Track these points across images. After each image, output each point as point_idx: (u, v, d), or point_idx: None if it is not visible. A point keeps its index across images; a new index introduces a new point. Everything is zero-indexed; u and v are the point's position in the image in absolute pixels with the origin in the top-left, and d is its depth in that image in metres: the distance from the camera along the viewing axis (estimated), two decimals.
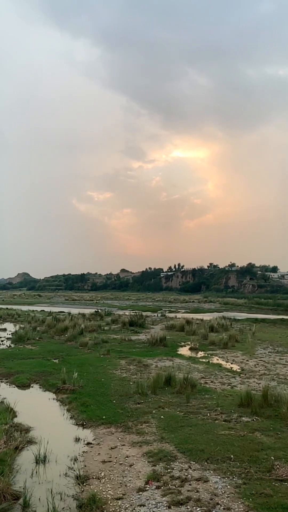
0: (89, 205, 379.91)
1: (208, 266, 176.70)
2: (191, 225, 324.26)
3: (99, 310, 42.31)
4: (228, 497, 5.98)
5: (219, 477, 6.58)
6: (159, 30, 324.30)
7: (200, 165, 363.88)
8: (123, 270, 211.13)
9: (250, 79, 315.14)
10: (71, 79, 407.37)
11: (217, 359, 17.32)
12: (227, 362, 16.79)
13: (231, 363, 16.48)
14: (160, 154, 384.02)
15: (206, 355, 18.41)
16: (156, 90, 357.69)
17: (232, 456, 7.32)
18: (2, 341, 22.42)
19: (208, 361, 16.64)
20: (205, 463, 7.11)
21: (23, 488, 6.17)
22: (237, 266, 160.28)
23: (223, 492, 6.12)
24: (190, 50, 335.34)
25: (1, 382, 13.11)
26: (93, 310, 42.78)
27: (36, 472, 7.04)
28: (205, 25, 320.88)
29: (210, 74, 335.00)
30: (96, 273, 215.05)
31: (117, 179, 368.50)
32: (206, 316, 38.39)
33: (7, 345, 20.83)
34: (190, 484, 6.36)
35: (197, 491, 6.14)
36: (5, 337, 24.04)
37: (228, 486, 6.27)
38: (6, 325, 31.37)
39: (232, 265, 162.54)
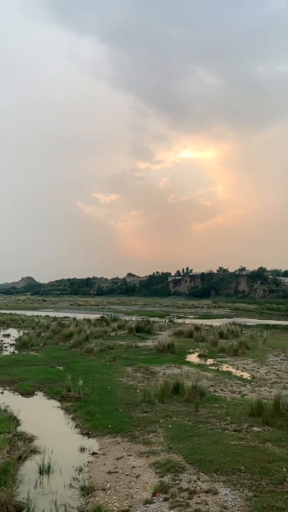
0: (94, 207, 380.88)
1: (217, 270, 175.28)
2: (200, 228, 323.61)
3: (105, 316, 42.16)
4: (238, 510, 5.80)
5: (229, 489, 6.38)
6: (167, 27, 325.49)
7: (209, 166, 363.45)
8: (129, 274, 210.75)
9: (260, 77, 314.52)
10: (76, 78, 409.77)
11: (227, 367, 17.07)
12: (237, 369, 16.53)
13: (242, 371, 16.21)
14: (168, 154, 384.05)
15: (215, 362, 18.15)
16: (163, 89, 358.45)
17: (242, 467, 7.10)
18: (5, 347, 22.31)
19: (218, 369, 16.38)
20: (215, 474, 6.90)
21: (27, 499, 6.00)
22: (248, 270, 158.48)
23: (233, 505, 5.92)
24: (198, 48, 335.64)
25: (5, 389, 12.96)
26: (99, 316, 42.64)
27: (40, 482, 6.87)
28: (214, 22, 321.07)
29: (219, 72, 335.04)
30: (102, 278, 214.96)
31: (124, 180, 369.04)
32: (216, 322, 38.08)
33: (10, 352, 20.70)
34: (199, 496, 6.17)
35: (206, 504, 5.94)
36: (8, 343, 23.96)
37: (239, 499, 6.07)
38: (10, 330, 31.33)
39: (243, 269, 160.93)
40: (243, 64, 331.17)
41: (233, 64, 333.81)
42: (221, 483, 6.57)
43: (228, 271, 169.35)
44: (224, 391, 12.72)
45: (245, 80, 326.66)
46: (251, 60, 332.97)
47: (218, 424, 9.44)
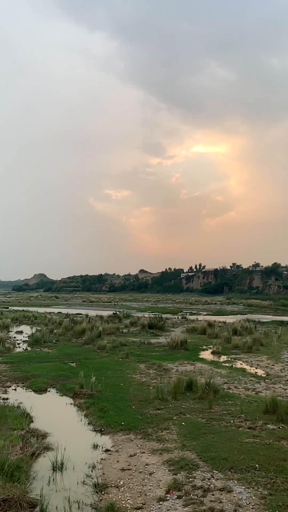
0: (106, 204, 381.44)
1: (231, 266, 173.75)
2: (212, 224, 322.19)
3: (118, 312, 42.20)
4: (253, 508, 5.72)
5: (243, 487, 6.30)
6: (178, 21, 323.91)
7: (222, 161, 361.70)
8: (142, 271, 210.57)
9: (274, 69, 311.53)
10: (87, 74, 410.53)
11: (241, 364, 16.94)
12: (251, 366, 16.39)
13: (256, 368, 16.07)
14: (180, 149, 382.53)
15: (229, 359, 18.04)
16: (175, 84, 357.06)
17: (257, 465, 7.01)
18: (18, 344, 22.45)
19: (232, 366, 16.27)
20: (229, 472, 6.82)
21: (40, 496, 5.97)
22: (262, 266, 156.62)
23: (247, 503, 5.85)
24: (210, 42, 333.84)
25: (18, 386, 13.01)
26: (111, 312, 42.73)
27: (53, 479, 6.86)
28: (226, 15, 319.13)
29: (231, 65, 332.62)
30: (114, 274, 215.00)
31: (135, 176, 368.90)
32: (229, 319, 37.91)
33: (23, 348, 20.82)
34: (213, 494, 6.10)
35: (220, 502, 5.87)
36: (21, 339, 24.11)
37: (253, 497, 5.99)
38: (23, 327, 31.48)
39: (256, 265, 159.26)
40: (256, 57, 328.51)
41: (246, 57, 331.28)
42: (236, 481, 6.49)
43: (242, 267, 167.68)
44: (238, 388, 12.62)
45: (259, 73, 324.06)
46: (264, 53, 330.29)
47: (232, 421, 9.36)
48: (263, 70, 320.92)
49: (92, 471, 7.10)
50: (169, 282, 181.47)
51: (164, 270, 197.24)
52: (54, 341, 23.09)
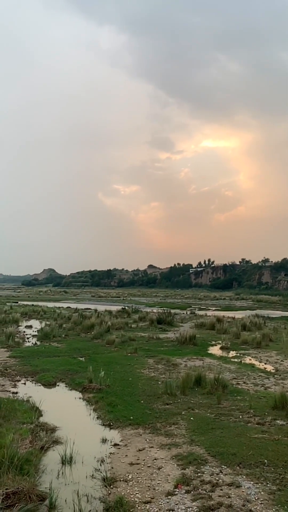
0: (115, 199, 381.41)
1: (240, 262, 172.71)
2: (221, 219, 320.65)
3: (126, 307, 42.24)
4: (261, 503, 5.71)
5: (252, 482, 6.29)
6: (187, 14, 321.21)
7: (231, 155, 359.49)
8: (150, 266, 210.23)
9: (285, 63, 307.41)
10: (95, 68, 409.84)
11: (250, 359, 16.88)
12: (260, 362, 16.32)
13: (265, 363, 16.00)
14: (189, 144, 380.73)
15: (238, 354, 17.98)
16: (184, 78, 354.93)
17: (266, 461, 7.00)
18: (28, 338, 22.60)
19: (240, 361, 16.22)
20: (237, 467, 6.81)
21: (49, 489, 6.03)
22: (271, 261, 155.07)
23: (256, 498, 5.84)
24: (220, 35, 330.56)
25: (27, 380, 13.09)
26: (120, 307, 42.79)
27: (62, 473, 6.90)
28: (236, 8, 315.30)
29: (241, 59, 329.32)
30: (122, 269, 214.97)
31: (144, 171, 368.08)
32: (238, 314, 37.79)
33: (32, 343, 20.96)
34: (221, 489, 6.10)
35: (229, 497, 5.87)
36: (31, 334, 24.24)
37: (262, 493, 5.98)
38: (32, 322, 31.66)
39: (266, 260, 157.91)
40: (266, 51, 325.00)
41: (256, 51, 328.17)
42: (244, 476, 6.48)
43: (251, 263, 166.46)
44: (247, 383, 12.58)
45: (269, 67, 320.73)
46: (274, 46, 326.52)
47: (241, 417, 9.34)
48: (273, 63, 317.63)
49: (101, 465, 7.13)
50: (178, 277, 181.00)
51: (172, 265, 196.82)
52: (63, 335, 23.19)
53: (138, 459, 7.29)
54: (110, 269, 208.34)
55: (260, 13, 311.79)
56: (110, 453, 7.65)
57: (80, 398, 11.34)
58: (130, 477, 6.61)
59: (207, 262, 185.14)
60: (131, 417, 9.40)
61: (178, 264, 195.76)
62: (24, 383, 12.72)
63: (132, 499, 5.89)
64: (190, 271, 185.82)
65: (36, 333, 24.17)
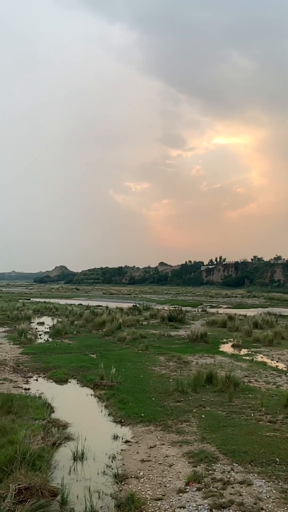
0: (126, 196, 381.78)
1: (251, 259, 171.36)
2: (233, 216, 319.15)
3: (137, 305, 42.30)
4: (273, 502, 5.69)
5: (263, 480, 6.26)
6: (198, 11, 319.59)
7: (243, 152, 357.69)
8: (161, 263, 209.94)
9: None
10: (106, 66, 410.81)
11: (262, 357, 16.80)
12: (272, 360, 16.23)
13: (277, 361, 15.91)
14: (200, 141, 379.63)
15: (249, 352, 17.91)
16: (195, 74, 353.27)
17: (277, 459, 6.96)
18: (40, 335, 22.72)
19: (252, 359, 16.14)
20: (249, 465, 6.79)
21: (61, 485, 6.07)
22: (283, 259, 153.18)
23: (268, 496, 5.81)
24: (231, 31, 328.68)
25: (39, 376, 13.18)
26: (131, 304, 42.84)
27: (74, 469, 6.93)
28: (247, 3, 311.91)
29: (253, 55, 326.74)
30: (134, 266, 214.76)
31: (155, 168, 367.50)
32: (250, 312, 37.63)
33: (45, 339, 21.08)
34: (232, 487, 6.08)
35: (240, 495, 5.85)
36: (43, 331, 24.37)
37: (273, 491, 5.96)
38: (44, 319, 31.89)
39: (278, 257, 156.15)
40: (279, 46, 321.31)
41: (268, 47, 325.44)
42: (256, 475, 6.46)
43: (263, 260, 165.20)
44: (259, 381, 12.53)
45: (281, 62, 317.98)
46: (286, 41, 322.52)
47: (252, 415, 9.30)
48: (285, 59, 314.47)
49: (112, 461, 7.16)
50: (189, 274, 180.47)
51: (184, 262, 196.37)
52: (74, 332, 23.30)
53: (149, 456, 7.31)
54: (121, 267, 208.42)
55: (271, 8, 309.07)
56: (122, 449, 7.68)
57: (91, 394, 11.38)
58: (141, 474, 6.63)
59: (218, 260, 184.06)
60: (142, 414, 9.41)
61: (190, 261, 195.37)
62: (36, 380, 12.80)
63: (144, 496, 5.90)
64: (202, 269, 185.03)
65: (48, 330, 24.31)
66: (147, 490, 6.10)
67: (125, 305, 41.79)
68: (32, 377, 13.07)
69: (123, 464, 7.03)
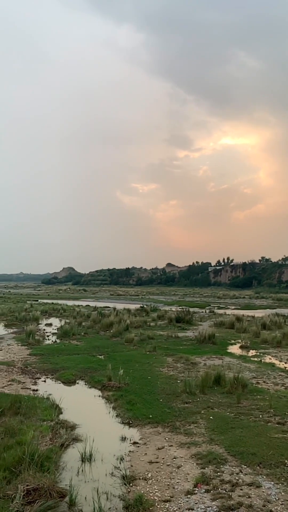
0: (133, 197, 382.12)
1: (259, 260, 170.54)
2: (241, 217, 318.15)
3: (145, 306, 42.24)
4: (282, 504, 5.66)
5: (272, 483, 6.23)
6: (206, 11, 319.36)
7: (251, 153, 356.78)
8: (169, 264, 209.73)
9: None
10: (114, 67, 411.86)
11: (270, 358, 16.71)
12: (280, 361, 16.14)
13: (285, 363, 15.81)
14: (208, 142, 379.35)
15: (258, 353, 17.82)
16: (202, 75, 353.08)
17: (286, 461, 6.93)
18: (48, 336, 22.82)
19: (260, 360, 16.07)
20: (257, 467, 6.76)
21: (69, 486, 6.07)
22: None
23: (277, 499, 5.78)
24: (239, 31, 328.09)
25: (47, 378, 13.22)
26: (138, 306, 42.82)
27: (82, 470, 6.94)
28: (254, 3, 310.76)
29: (261, 55, 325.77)
30: (141, 268, 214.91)
31: (162, 169, 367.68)
32: (258, 313, 37.46)
33: (52, 340, 21.17)
34: (241, 489, 6.06)
35: (249, 497, 5.83)
36: (50, 332, 24.48)
37: (283, 493, 5.93)
38: (52, 320, 32.01)
39: (286, 258, 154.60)
40: (286, 46, 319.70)
41: (276, 46, 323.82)
42: (264, 476, 6.43)
43: (271, 261, 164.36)
44: (267, 383, 12.46)
45: None
46: None
47: (260, 416, 9.25)
48: None
49: (120, 463, 7.16)
50: (197, 275, 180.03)
51: (191, 263, 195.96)
52: (82, 333, 23.32)
53: (157, 458, 7.29)
54: (128, 268, 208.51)
55: (278, 7, 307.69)
56: (130, 451, 7.67)
57: (99, 396, 11.39)
58: (149, 475, 6.62)
59: (226, 261, 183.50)
60: (150, 416, 9.40)
61: (197, 262, 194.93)
62: (44, 381, 12.84)
63: (152, 498, 5.89)
64: (209, 270, 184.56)
65: (56, 331, 24.39)
66: (155, 491, 6.09)
67: (133, 306, 41.79)
68: (40, 378, 13.12)
69: (131, 466, 7.02)
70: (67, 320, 29.84)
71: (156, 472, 6.74)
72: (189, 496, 5.92)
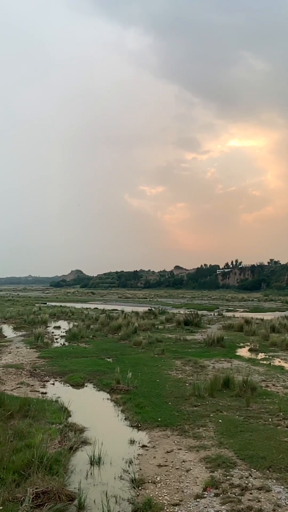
0: (141, 200, 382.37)
1: (268, 262, 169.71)
2: (249, 219, 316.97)
3: (153, 308, 42.22)
4: None
5: (282, 487, 6.18)
6: (213, 13, 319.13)
7: (259, 154, 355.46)
8: (177, 267, 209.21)
9: None
10: (121, 70, 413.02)
11: (279, 361, 16.59)
12: None
13: None
14: (215, 144, 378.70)
15: (267, 356, 17.69)
16: (210, 77, 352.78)
17: None
18: (56, 339, 22.87)
19: (269, 363, 15.96)
20: (267, 471, 6.71)
21: (78, 489, 6.06)
22: None
23: (286, 503, 5.74)
24: (245, 33, 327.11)
25: (56, 380, 13.24)
26: (146, 308, 42.76)
27: (91, 473, 6.93)
28: (261, 5, 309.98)
29: (268, 57, 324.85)
30: (149, 270, 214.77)
31: (170, 172, 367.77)
32: (267, 316, 37.24)
33: (61, 343, 21.19)
34: (251, 493, 6.01)
35: (259, 501, 5.78)
36: (59, 335, 24.52)
37: None
38: (60, 323, 32.07)
39: None
40: None
41: (283, 48, 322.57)
42: (274, 481, 6.38)
43: (280, 263, 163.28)
44: (276, 386, 12.38)
45: None
46: None
47: (270, 419, 9.18)
48: None
49: (129, 466, 7.14)
50: (205, 278, 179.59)
51: (199, 266, 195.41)
52: (91, 336, 23.34)
53: (166, 461, 7.27)
54: (136, 270, 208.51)
55: (285, 8, 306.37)
56: (138, 454, 7.66)
57: (108, 399, 11.39)
58: (158, 479, 6.60)
59: (234, 263, 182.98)
60: (159, 419, 9.37)
61: (205, 265, 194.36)
62: (53, 384, 12.87)
63: (161, 501, 5.87)
64: (217, 272, 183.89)
65: (64, 334, 24.43)
66: (164, 495, 6.06)
67: (141, 309, 41.73)
68: (49, 381, 13.14)
69: (140, 469, 7.00)
70: (75, 323, 29.89)
71: (165, 475, 6.72)
72: (198, 500, 5.88)
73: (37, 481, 5.98)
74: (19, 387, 11.98)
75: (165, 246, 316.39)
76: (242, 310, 50.62)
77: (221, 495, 5.96)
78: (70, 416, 9.61)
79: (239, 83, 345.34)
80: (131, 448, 7.99)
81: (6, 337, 23.41)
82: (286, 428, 8.61)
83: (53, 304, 56.32)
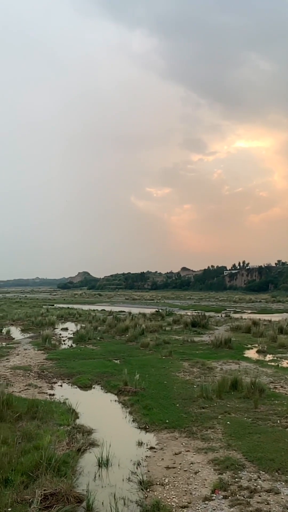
0: (147, 201, 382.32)
1: (276, 264, 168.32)
2: (256, 220, 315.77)
3: (160, 310, 42.18)
4: None
5: None
6: (218, 14, 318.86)
7: (265, 155, 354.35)
8: (184, 269, 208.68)
9: None
10: (127, 71, 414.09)
11: (287, 363, 16.49)
12: None
13: None
14: (222, 145, 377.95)
15: (275, 358, 17.62)
16: (216, 78, 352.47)
17: None
18: (64, 340, 22.94)
19: (278, 365, 15.87)
20: (276, 473, 6.66)
21: (86, 491, 6.06)
22: None
23: None
24: (251, 34, 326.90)
25: (63, 382, 13.27)
26: (153, 310, 42.74)
27: (99, 475, 6.93)
28: (268, 6, 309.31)
29: (274, 58, 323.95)
30: (156, 272, 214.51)
31: (176, 173, 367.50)
32: (275, 317, 37.05)
33: (68, 345, 21.25)
34: (259, 496, 5.98)
35: (268, 503, 5.75)
36: (66, 336, 24.60)
37: None
38: (68, 324, 32.21)
39: None
40: None
41: None
42: (283, 483, 6.33)
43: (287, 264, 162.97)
44: (285, 387, 12.30)
45: None
46: None
47: (278, 421, 9.13)
48: None
49: (137, 468, 7.13)
50: (212, 279, 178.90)
51: (206, 267, 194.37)
52: (98, 338, 23.38)
53: (174, 463, 7.25)
54: (143, 272, 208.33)
55: None
56: (146, 456, 7.64)
57: (115, 400, 11.39)
58: (166, 481, 6.58)
59: (241, 264, 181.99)
60: (167, 421, 9.35)
61: (212, 266, 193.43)
62: (61, 385, 12.89)
63: (169, 503, 5.86)
64: (225, 274, 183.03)
65: (71, 336, 24.50)
66: (173, 497, 6.05)
67: (148, 311, 41.72)
68: (56, 382, 13.17)
69: (148, 471, 6.99)
70: (82, 325, 29.96)
71: (173, 477, 6.70)
72: (206, 502, 5.86)
73: (45, 483, 5.99)
74: (27, 389, 12.02)
75: (171, 247, 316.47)
76: (249, 311, 50.38)
77: (229, 498, 5.93)
78: (78, 418, 9.62)
79: (245, 84, 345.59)
80: (139, 450, 7.98)
81: (14, 339, 23.54)
82: None
83: (61, 306, 56.47)
